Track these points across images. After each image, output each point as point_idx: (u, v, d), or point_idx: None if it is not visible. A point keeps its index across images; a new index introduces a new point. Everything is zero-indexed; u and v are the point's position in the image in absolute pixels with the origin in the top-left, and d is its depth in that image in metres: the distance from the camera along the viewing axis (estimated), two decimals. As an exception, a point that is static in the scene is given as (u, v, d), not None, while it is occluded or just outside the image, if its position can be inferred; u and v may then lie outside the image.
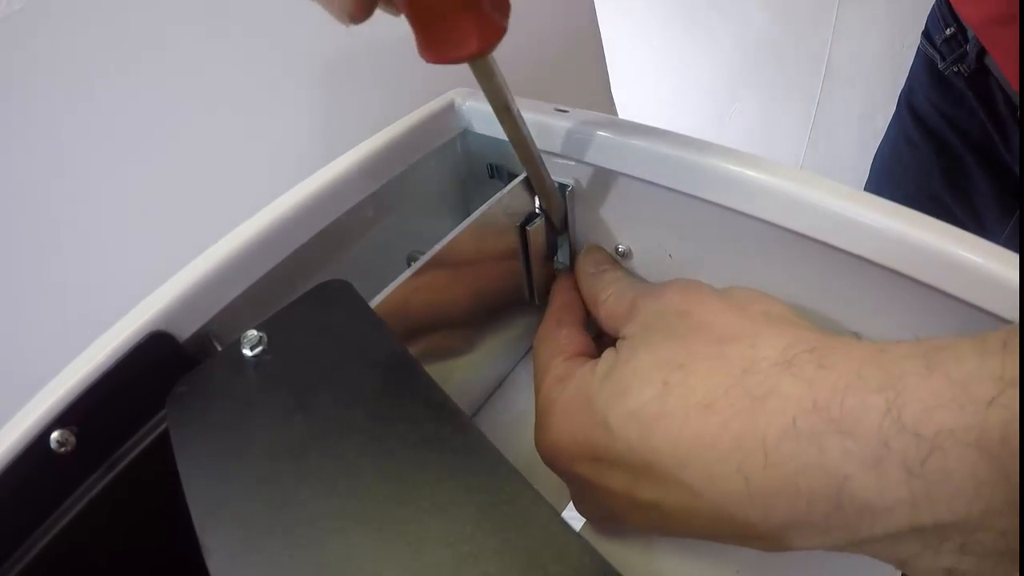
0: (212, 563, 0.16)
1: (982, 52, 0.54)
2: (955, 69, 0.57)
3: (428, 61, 0.20)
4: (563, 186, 0.31)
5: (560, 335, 0.28)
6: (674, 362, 0.21)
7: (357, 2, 0.18)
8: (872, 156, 0.74)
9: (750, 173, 0.24)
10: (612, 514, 0.24)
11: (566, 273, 0.32)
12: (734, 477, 0.18)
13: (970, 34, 0.55)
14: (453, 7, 0.19)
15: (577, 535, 0.16)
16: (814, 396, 0.17)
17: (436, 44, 0.20)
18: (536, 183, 0.29)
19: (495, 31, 0.20)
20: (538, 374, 0.28)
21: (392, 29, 0.37)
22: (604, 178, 0.29)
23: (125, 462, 0.22)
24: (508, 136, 0.26)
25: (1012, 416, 0.14)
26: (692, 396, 0.20)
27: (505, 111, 0.25)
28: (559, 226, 0.32)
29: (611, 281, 0.29)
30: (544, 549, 0.15)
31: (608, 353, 0.25)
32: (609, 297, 0.28)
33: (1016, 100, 0.54)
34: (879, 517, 0.16)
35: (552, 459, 0.25)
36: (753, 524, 0.19)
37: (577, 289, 0.31)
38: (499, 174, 0.33)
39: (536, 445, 0.26)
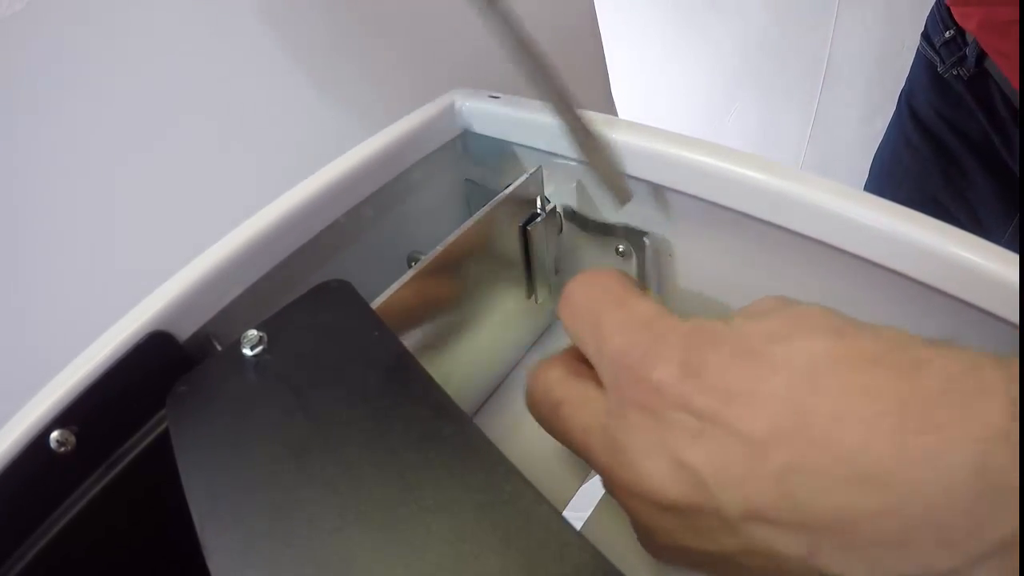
0: (213, 563, 0.16)
1: (981, 55, 0.54)
2: (954, 72, 0.58)
3: None
4: (640, 233, 0.29)
5: (631, 283, 0.24)
6: (836, 321, 0.19)
7: None
8: (871, 157, 0.74)
9: (750, 173, 0.24)
10: (696, 472, 0.18)
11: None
12: (888, 439, 0.16)
13: (969, 37, 0.55)
14: None
15: (578, 534, 0.16)
16: (962, 365, 0.16)
17: None
18: (573, 135, 0.26)
19: None
20: (611, 305, 0.22)
21: (392, 29, 0.37)
22: (604, 178, 0.29)
23: (125, 462, 0.22)
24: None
25: None
26: (862, 349, 0.18)
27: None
28: (616, 193, 0.27)
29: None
30: (545, 548, 0.15)
31: (731, 317, 0.21)
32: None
33: (1015, 101, 0.54)
34: (987, 525, 0.15)
35: (664, 391, 0.19)
36: (878, 510, 0.16)
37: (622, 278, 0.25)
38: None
39: (632, 376, 0.20)
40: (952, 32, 0.57)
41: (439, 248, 0.26)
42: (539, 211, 0.30)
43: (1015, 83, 0.53)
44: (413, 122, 0.30)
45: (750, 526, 0.18)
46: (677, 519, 0.19)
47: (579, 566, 0.15)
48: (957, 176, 0.62)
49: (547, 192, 0.32)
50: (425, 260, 0.26)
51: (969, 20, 0.54)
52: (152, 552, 0.23)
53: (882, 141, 0.72)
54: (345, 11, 0.39)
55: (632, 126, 0.28)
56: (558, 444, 0.25)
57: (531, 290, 0.33)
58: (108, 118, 0.32)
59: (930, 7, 0.61)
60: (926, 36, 0.61)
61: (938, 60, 0.59)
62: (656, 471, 0.19)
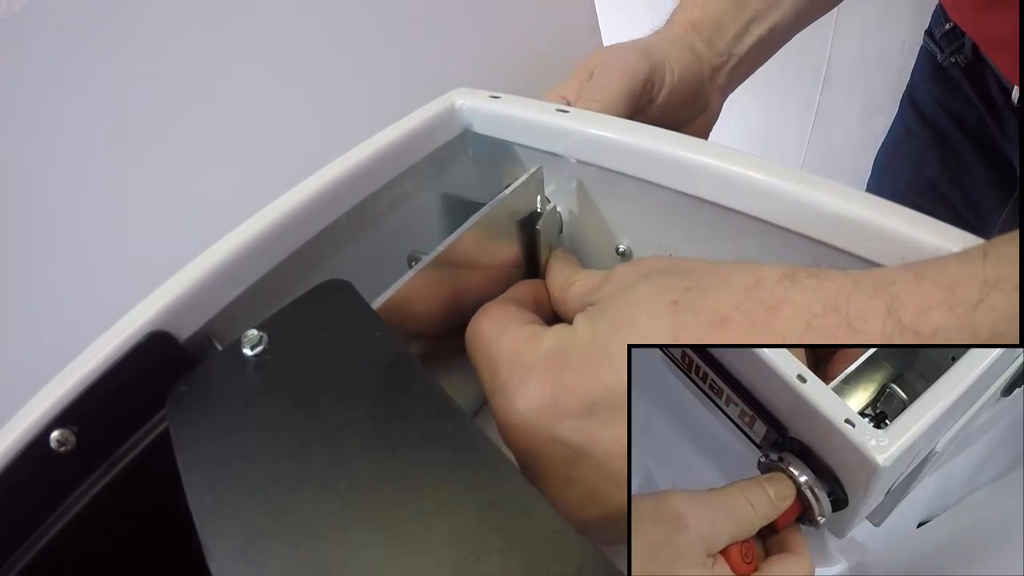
0: (213, 563, 0.16)
1: (975, 45, 0.55)
2: (952, 60, 0.58)
3: None
4: None
5: (510, 308, 0.26)
6: (680, 286, 0.21)
7: None
8: (872, 157, 0.74)
9: (750, 173, 0.24)
10: (599, 496, 0.21)
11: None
12: None
13: None
14: None
15: (578, 533, 0.16)
16: (822, 301, 0.18)
17: None
18: None
19: None
20: (489, 345, 0.25)
21: (392, 29, 0.37)
22: (604, 178, 0.29)
23: (125, 462, 0.22)
24: None
25: (1000, 317, 0.15)
26: (704, 313, 0.19)
27: None
28: None
29: (582, 269, 0.29)
30: (545, 547, 0.15)
31: (585, 313, 0.23)
32: (581, 276, 0.28)
33: (1010, 87, 0.54)
34: None
35: (531, 426, 0.21)
36: None
37: (530, 287, 0.30)
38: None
39: (505, 417, 0.22)
40: (951, 24, 0.57)
41: (439, 248, 0.26)
42: (539, 211, 0.30)
43: (1009, 76, 0.53)
44: (414, 122, 0.30)
45: None
46: None
47: (579, 566, 0.15)
48: (954, 163, 0.63)
49: (547, 192, 0.32)
50: (425, 260, 0.26)
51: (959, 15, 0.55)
52: (152, 552, 0.23)
53: (885, 136, 0.72)
54: (346, 12, 0.39)
55: (631, 126, 0.28)
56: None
57: (531, 290, 0.33)
58: (108, 118, 0.32)
59: (932, 7, 0.62)
60: (929, 32, 0.61)
61: (938, 51, 0.59)
62: None
